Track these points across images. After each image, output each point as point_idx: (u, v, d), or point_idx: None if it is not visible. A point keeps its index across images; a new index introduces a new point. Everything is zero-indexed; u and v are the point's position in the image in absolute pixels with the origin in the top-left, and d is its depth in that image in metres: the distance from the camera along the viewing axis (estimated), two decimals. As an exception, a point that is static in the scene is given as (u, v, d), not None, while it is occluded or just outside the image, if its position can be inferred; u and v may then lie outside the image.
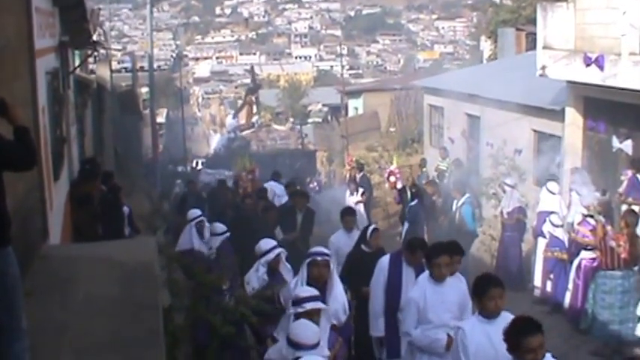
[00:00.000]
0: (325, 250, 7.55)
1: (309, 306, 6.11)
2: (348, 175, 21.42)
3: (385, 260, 8.62)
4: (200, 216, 11.21)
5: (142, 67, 43.09)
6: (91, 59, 19.64)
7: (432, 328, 7.20)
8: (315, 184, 23.83)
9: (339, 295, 7.42)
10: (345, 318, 7.45)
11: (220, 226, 10.61)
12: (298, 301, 6.19)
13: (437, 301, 7.14)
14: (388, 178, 20.51)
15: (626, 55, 12.65)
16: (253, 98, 38.44)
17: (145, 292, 6.07)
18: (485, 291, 6.00)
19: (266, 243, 8.57)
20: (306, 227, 13.30)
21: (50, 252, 7.33)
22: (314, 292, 6.39)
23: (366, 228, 9.92)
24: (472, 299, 6.56)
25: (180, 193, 19.31)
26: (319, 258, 7.30)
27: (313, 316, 6.03)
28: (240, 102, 44.62)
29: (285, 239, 12.10)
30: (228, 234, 10.51)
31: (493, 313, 5.96)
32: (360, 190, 17.88)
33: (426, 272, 7.34)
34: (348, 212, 11.48)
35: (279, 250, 8.45)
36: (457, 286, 7.38)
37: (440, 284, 7.16)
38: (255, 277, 8.25)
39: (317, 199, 20.37)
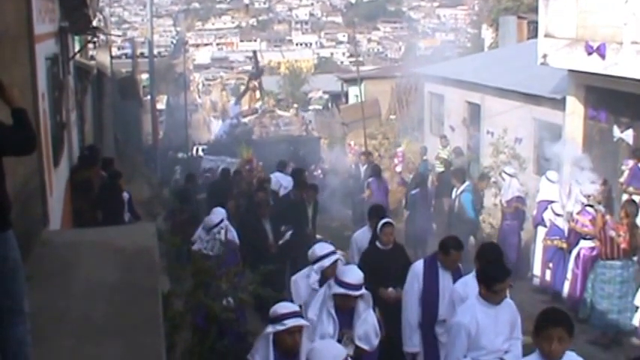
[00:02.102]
0: (361, 279, 6.41)
1: (290, 323, 5.41)
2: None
3: (419, 265, 7.83)
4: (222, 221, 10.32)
5: (142, 54, 43.01)
6: (90, 45, 19.62)
7: (485, 354, 6.36)
8: (320, 171, 23.74)
9: (369, 315, 6.51)
10: (377, 341, 6.56)
11: (221, 211, 10.35)
12: (278, 318, 5.45)
13: (490, 325, 6.28)
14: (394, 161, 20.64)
15: (628, 44, 12.62)
16: (256, 83, 38.14)
17: (144, 278, 6.08)
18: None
19: (322, 247, 7.55)
20: (315, 220, 13.11)
21: (50, 237, 7.33)
22: (294, 307, 5.67)
23: (377, 222, 8.89)
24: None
25: (179, 186, 18.70)
26: (355, 293, 6.31)
27: (294, 334, 5.39)
28: (242, 88, 44.47)
29: (302, 235, 11.97)
30: (226, 222, 10.21)
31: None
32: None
33: (475, 292, 6.41)
34: (377, 213, 9.75)
35: (336, 256, 7.43)
36: (507, 304, 6.42)
37: (493, 306, 6.23)
38: (305, 284, 7.29)
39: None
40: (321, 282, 7.10)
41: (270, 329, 5.45)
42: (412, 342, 7.74)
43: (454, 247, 7.51)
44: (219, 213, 10.32)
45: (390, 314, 7.89)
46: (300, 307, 6.48)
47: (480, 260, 6.98)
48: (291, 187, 15.01)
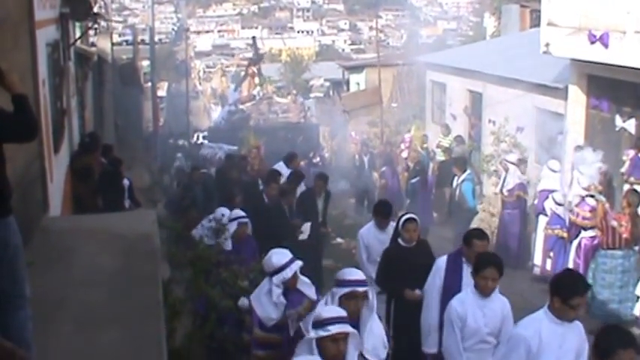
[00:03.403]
0: (363, 276, 5.91)
1: (334, 329, 4.95)
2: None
3: (442, 261, 7.29)
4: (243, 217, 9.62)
5: (142, 40, 42.98)
6: (91, 31, 19.55)
7: None
8: (319, 158, 23.72)
9: (375, 326, 5.92)
10: (385, 354, 6.00)
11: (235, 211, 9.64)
12: (321, 323, 5.01)
13: (554, 344, 5.52)
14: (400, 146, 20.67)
15: (631, 33, 12.56)
16: (255, 69, 37.95)
17: (144, 265, 6.07)
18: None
19: (279, 256, 6.61)
20: (326, 213, 12.52)
21: (50, 224, 7.33)
22: (340, 312, 5.19)
23: (400, 218, 8.27)
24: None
25: (181, 177, 18.11)
26: (360, 289, 5.72)
27: (339, 341, 4.97)
28: (242, 74, 44.38)
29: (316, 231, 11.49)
30: (246, 219, 9.48)
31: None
32: None
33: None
34: (384, 209, 9.24)
35: (296, 264, 6.60)
36: (577, 326, 5.64)
37: (562, 323, 5.48)
38: (270, 303, 6.54)
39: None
40: (285, 295, 6.51)
41: (312, 334, 5.04)
42: (431, 342, 7.20)
43: (477, 237, 7.02)
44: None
45: (413, 316, 7.45)
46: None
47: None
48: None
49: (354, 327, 5.37)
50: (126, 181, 12.75)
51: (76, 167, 11.44)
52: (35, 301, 4.30)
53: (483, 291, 6.29)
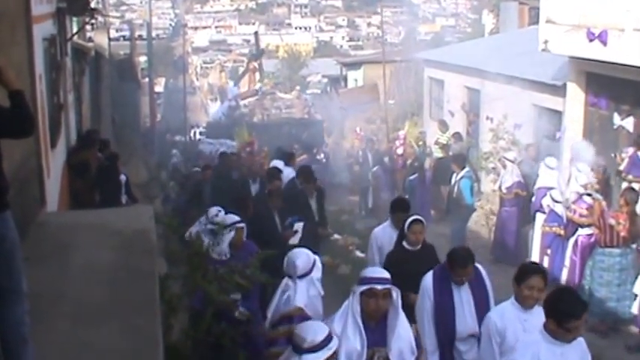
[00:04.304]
0: (386, 275, 5.57)
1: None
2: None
3: (428, 279, 6.81)
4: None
5: (140, 36, 42.90)
6: (88, 27, 19.50)
7: None
8: (323, 155, 23.69)
9: (402, 330, 5.54)
10: (413, 359, 5.63)
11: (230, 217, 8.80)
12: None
13: None
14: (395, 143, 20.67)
15: (630, 31, 12.55)
16: (256, 65, 37.72)
17: (141, 260, 6.06)
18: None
19: (306, 257, 6.73)
20: (322, 212, 11.95)
21: (47, 219, 7.31)
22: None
23: (405, 219, 7.95)
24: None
25: (177, 175, 17.70)
26: (379, 287, 5.39)
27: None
28: (241, 70, 44.24)
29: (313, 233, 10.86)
30: (242, 224, 8.73)
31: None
32: None
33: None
34: (401, 207, 8.84)
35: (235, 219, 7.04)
36: (579, 343, 5.36)
37: (561, 344, 5.17)
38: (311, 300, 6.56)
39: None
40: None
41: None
42: None
43: (460, 265, 6.57)
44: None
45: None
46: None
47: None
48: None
49: (380, 329, 5.40)
50: (123, 177, 12.71)
51: (73, 162, 11.41)
52: (31, 297, 4.28)
53: (526, 302, 5.82)
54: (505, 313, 5.91)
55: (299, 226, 11.05)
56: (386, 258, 8.03)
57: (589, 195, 11.65)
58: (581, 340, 5.28)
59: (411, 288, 7.20)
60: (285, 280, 6.66)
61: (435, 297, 6.64)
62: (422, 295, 6.78)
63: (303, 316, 6.26)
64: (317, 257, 6.85)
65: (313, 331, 4.98)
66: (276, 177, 12.15)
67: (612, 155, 14.02)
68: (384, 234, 8.71)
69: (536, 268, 5.98)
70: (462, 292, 6.57)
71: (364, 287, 5.40)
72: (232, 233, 8.45)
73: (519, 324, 5.82)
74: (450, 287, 6.63)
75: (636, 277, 10.75)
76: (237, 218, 8.74)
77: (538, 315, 5.64)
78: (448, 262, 6.64)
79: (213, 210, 8.97)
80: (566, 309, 5.04)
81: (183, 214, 12.25)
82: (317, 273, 6.74)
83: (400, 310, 5.49)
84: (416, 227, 7.74)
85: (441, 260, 7.55)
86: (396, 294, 5.44)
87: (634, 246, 10.94)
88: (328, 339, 4.96)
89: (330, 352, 4.90)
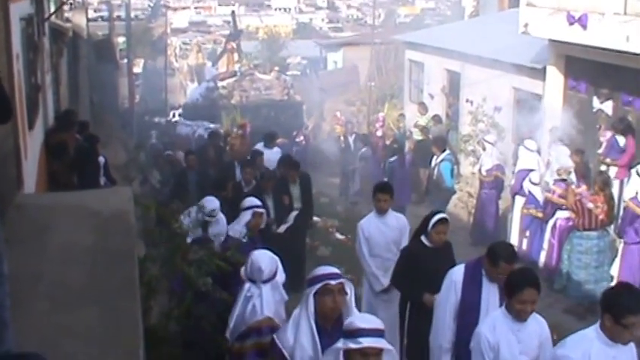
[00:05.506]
0: (336, 270, 5.10)
1: (366, 342, 4.31)
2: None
3: (458, 273, 6.38)
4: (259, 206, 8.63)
5: (118, 16, 42.53)
6: (66, 7, 19.30)
7: None
8: (302, 137, 23.64)
9: None
10: None
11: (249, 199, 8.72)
12: (352, 333, 4.37)
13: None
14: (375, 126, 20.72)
15: (610, 15, 12.58)
16: (234, 45, 37.45)
17: (120, 242, 6.01)
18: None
19: (269, 260, 6.18)
20: (307, 200, 11.74)
21: (25, 201, 7.23)
22: (377, 323, 4.47)
23: (430, 216, 7.51)
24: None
25: (159, 160, 17.17)
26: (333, 282, 4.93)
27: (369, 357, 4.34)
28: (219, 51, 43.88)
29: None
30: (262, 209, 8.57)
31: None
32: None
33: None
34: (384, 189, 8.68)
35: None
36: (630, 349, 5.08)
37: (615, 345, 4.91)
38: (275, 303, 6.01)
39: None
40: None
41: (340, 344, 4.41)
42: None
43: (505, 259, 6.06)
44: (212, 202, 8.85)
45: (430, 322, 6.70)
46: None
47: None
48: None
49: (336, 331, 4.79)
50: (101, 159, 12.63)
51: (51, 144, 11.30)
52: (10, 279, 4.23)
53: (520, 316, 5.44)
54: (497, 326, 5.52)
55: (291, 217, 11.11)
56: (402, 252, 7.80)
57: (564, 180, 11.76)
58: (632, 346, 5.02)
59: (427, 286, 7.04)
60: (248, 285, 6.07)
61: (463, 293, 6.24)
62: (447, 289, 6.36)
63: (272, 327, 5.72)
64: (278, 260, 6.27)
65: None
66: (251, 164, 12.10)
67: (592, 139, 14.11)
68: (370, 224, 8.55)
69: (528, 280, 5.43)
70: (490, 291, 6.18)
71: (317, 286, 4.92)
72: (249, 216, 8.35)
73: (513, 335, 5.49)
74: (480, 285, 6.21)
75: (613, 259, 10.86)
76: (257, 202, 8.59)
77: (533, 323, 5.56)
78: (489, 257, 6.14)
79: (209, 204, 8.64)
80: (624, 304, 4.77)
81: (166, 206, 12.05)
82: (281, 276, 6.20)
83: (354, 307, 5.06)
84: (442, 227, 7.36)
85: (459, 259, 7.37)
86: (349, 289, 5.02)
87: (610, 228, 11.05)
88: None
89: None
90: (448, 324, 6.28)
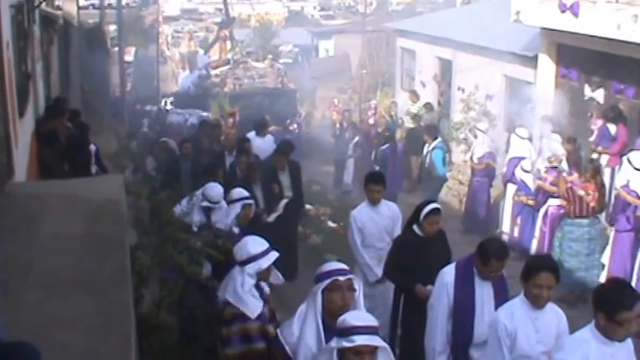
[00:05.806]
0: (345, 266, 4.94)
1: (360, 341, 4.16)
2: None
3: (449, 273, 6.21)
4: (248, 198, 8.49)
5: (109, 4, 42.28)
6: (57, -6, 19.19)
7: None
8: (296, 125, 23.55)
9: None
10: None
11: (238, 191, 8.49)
12: (345, 331, 4.21)
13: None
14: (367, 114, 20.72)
15: (602, 3, 12.59)
16: (227, 33, 37.14)
17: (111, 230, 5.99)
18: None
19: (256, 243, 5.84)
20: (297, 187, 11.64)
21: (15, 189, 7.20)
22: (371, 321, 4.30)
23: (422, 206, 7.39)
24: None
25: (166, 154, 16.83)
26: (342, 278, 4.76)
27: (364, 356, 4.17)
28: (211, 38, 43.61)
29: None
30: (250, 200, 8.46)
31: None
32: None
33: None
34: (377, 180, 8.52)
35: (273, 254, 5.80)
36: (627, 345, 4.97)
37: (612, 343, 4.79)
38: (246, 297, 5.67)
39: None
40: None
41: (333, 344, 4.27)
42: None
43: (496, 256, 5.95)
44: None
45: (425, 313, 6.55)
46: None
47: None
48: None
49: None
50: (93, 147, 12.58)
51: (42, 132, 11.26)
52: (0, 268, 4.22)
53: (537, 302, 5.41)
54: (515, 313, 5.46)
55: (281, 206, 11.09)
56: (394, 242, 7.75)
57: (555, 168, 11.79)
58: (629, 342, 4.95)
59: (420, 276, 7.00)
60: (237, 269, 5.84)
61: (456, 294, 6.10)
62: (439, 291, 6.23)
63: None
64: (274, 252, 5.91)
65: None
66: (244, 152, 12.02)
67: (584, 127, 14.13)
68: (362, 214, 8.45)
69: (545, 264, 5.47)
70: (484, 290, 6.09)
71: (326, 282, 4.76)
72: (239, 208, 8.22)
73: (531, 324, 5.46)
74: (472, 284, 6.09)
75: (604, 247, 10.89)
76: (245, 193, 8.45)
77: (551, 312, 5.56)
78: (480, 254, 6.02)
79: (215, 192, 8.39)
80: (615, 299, 4.65)
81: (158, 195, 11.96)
82: (260, 265, 5.77)
83: (362, 304, 4.89)
84: (434, 218, 7.27)
85: (451, 247, 7.44)
86: (357, 285, 4.86)
87: (601, 216, 11.08)
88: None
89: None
90: (441, 327, 6.17)
